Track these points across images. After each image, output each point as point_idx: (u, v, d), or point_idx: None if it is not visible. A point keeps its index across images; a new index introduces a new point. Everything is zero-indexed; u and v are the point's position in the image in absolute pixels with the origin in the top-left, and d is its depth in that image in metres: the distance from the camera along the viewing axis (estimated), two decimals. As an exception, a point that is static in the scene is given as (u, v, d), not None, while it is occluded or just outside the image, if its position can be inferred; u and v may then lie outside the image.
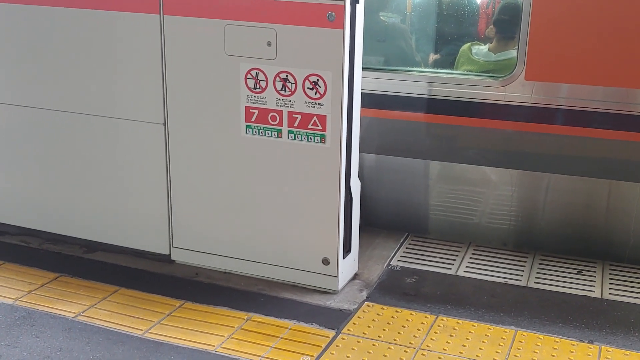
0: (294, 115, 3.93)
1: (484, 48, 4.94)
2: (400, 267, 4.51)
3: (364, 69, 4.08)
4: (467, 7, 5.17)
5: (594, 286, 4.30)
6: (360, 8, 3.84)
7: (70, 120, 4.44)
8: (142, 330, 3.74)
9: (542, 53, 4.30)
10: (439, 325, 3.83)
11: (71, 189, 4.58)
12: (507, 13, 4.91)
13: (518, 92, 4.41)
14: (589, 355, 3.58)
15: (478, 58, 4.91)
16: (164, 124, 4.23)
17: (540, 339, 3.71)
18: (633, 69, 4.18)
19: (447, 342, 3.67)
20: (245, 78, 3.96)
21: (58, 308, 3.94)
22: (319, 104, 3.86)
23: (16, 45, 4.46)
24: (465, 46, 4.99)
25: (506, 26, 4.82)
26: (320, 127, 3.90)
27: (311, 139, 3.93)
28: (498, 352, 3.59)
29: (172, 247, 4.45)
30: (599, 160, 4.42)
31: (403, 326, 3.81)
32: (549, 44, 4.28)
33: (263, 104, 3.97)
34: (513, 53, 4.61)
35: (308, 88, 3.85)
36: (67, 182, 4.58)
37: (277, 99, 3.94)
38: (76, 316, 3.87)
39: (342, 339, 3.69)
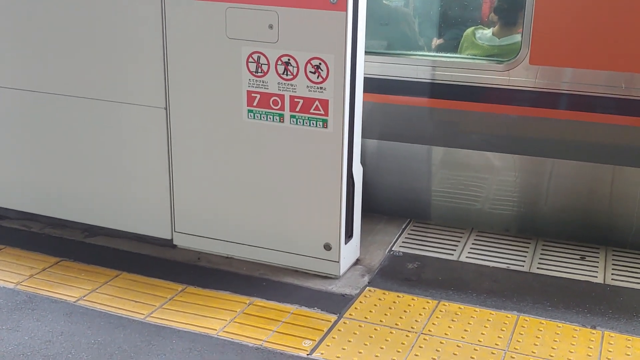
0: (296, 100, 3.91)
1: (488, 32, 4.90)
2: (402, 252, 4.50)
3: (366, 52, 4.04)
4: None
5: (597, 272, 4.29)
6: (363, -10, 3.81)
7: (72, 104, 4.42)
8: (143, 314, 3.74)
9: (546, 37, 4.26)
10: (440, 311, 3.82)
11: (72, 173, 4.57)
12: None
13: (522, 76, 4.38)
14: (592, 340, 3.57)
15: (482, 42, 4.87)
16: (166, 108, 4.21)
17: (543, 324, 3.71)
18: (636, 53, 4.15)
19: (449, 327, 3.67)
20: (247, 62, 3.94)
21: (59, 292, 3.94)
22: (321, 88, 3.83)
23: (16, 28, 4.43)
24: (469, 30, 4.95)
25: (510, 10, 4.77)
26: (322, 112, 3.87)
27: (313, 123, 3.91)
28: (500, 337, 3.58)
29: (174, 231, 4.44)
30: (603, 146, 4.40)
31: (405, 311, 3.81)
32: (554, 28, 4.24)
33: (265, 88, 3.95)
34: (517, 37, 4.57)
35: (310, 72, 3.83)
36: (69, 166, 4.57)
37: (279, 83, 3.91)
38: (77, 300, 3.86)
39: (344, 323, 3.69)
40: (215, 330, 3.61)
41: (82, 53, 4.30)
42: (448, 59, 4.66)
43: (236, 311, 3.78)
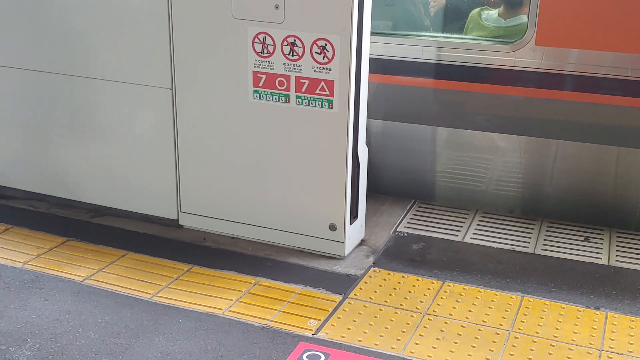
0: (301, 80, 3.91)
1: (494, 13, 4.88)
2: (407, 233, 4.52)
3: (372, 33, 4.03)
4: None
5: (601, 253, 4.30)
6: (369, -29, 3.79)
7: (78, 85, 4.42)
8: (150, 293, 3.77)
9: (553, 18, 4.24)
10: (445, 291, 3.84)
11: (79, 153, 4.59)
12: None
13: (528, 57, 4.36)
14: (595, 321, 3.59)
15: (488, 24, 4.85)
16: (172, 89, 4.21)
17: (547, 305, 3.73)
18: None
19: (454, 307, 3.69)
20: (253, 42, 3.93)
21: (66, 272, 3.97)
22: (327, 68, 3.83)
23: (22, 8, 4.42)
24: (475, 11, 4.92)
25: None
26: (328, 93, 3.87)
27: (319, 104, 3.91)
28: (504, 318, 3.60)
29: (180, 212, 4.46)
30: (609, 127, 4.39)
31: (409, 292, 3.83)
32: (560, 9, 4.22)
33: (271, 68, 3.95)
34: (523, 18, 4.55)
35: (316, 52, 3.82)
36: (75, 146, 4.58)
37: (284, 64, 3.91)
38: (84, 280, 3.89)
39: (349, 303, 3.71)
40: (221, 309, 3.63)
41: (88, 33, 4.30)
42: (453, 40, 4.65)
43: (242, 291, 3.81)
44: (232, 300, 3.72)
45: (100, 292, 3.78)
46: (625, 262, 4.19)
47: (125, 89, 4.31)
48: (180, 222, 4.49)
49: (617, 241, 4.45)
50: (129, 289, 3.81)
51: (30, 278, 3.90)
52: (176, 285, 3.85)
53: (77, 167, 4.62)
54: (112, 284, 3.85)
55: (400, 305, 3.70)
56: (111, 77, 4.33)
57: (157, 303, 3.68)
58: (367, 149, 4.22)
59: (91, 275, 3.93)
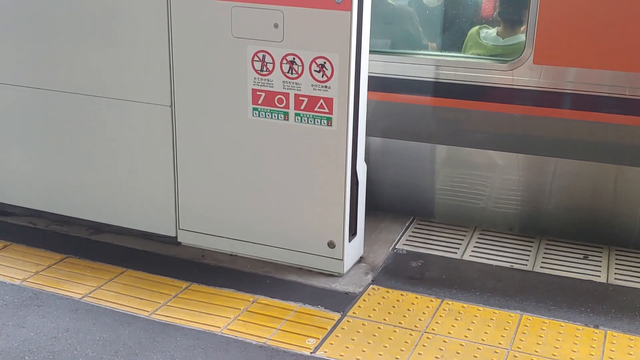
0: (300, 98, 3.92)
1: (493, 32, 4.91)
2: (406, 250, 4.51)
3: (370, 51, 4.05)
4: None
5: (600, 271, 4.29)
6: (368, -10, 3.82)
7: (78, 102, 4.44)
8: (148, 311, 3.76)
9: (550, 37, 4.27)
10: (444, 309, 3.83)
11: (78, 170, 4.59)
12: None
13: (526, 75, 4.38)
14: (595, 340, 3.58)
15: (486, 42, 4.88)
16: (171, 106, 4.23)
17: (546, 323, 3.72)
18: (642, 53, 4.16)
19: (453, 325, 3.68)
20: (252, 60, 3.95)
21: (65, 289, 3.96)
22: (326, 86, 3.85)
23: (22, 26, 4.44)
24: (474, 29, 4.95)
25: (514, 10, 4.78)
26: (326, 110, 3.89)
27: (318, 121, 3.92)
28: (503, 337, 3.60)
29: (179, 229, 4.46)
30: (606, 145, 4.41)
31: (408, 310, 3.82)
32: (558, 28, 4.24)
33: (270, 86, 3.96)
34: (521, 37, 4.57)
35: (315, 71, 3.84)
36: (74, 163, 4.59)
37: (284, 82, 3.93)
38: (83, 297, 3.89)
39: (348, 321, 3.70)
40: (219, 327, 3.63)
41: (87, 50, 4.32)
42: (452, 58, 4.67)
43: (240, 309, 3.81)
44: (230, 318, 3.72)
45: (99, 309, 3.77)
46: (624, 280, 4.19)
47: (125, 106, 4.33)
48: (179, 240, 4.49)
49: (616, 259, 4.45)
50: (127, 306, 3.81)
51: (29, 295, 3.89)
52: (174, 303, 3.85)
53: (76, 184, 4.63)
54: (110, 302, 3.85)
55: (399, 323, 3.69)
56: (110, 94, 4.35)
57: (155, 321, 3.68)
58: (366, 166, 4.23)
59: (90, 293, 3.93)
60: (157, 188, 4.42)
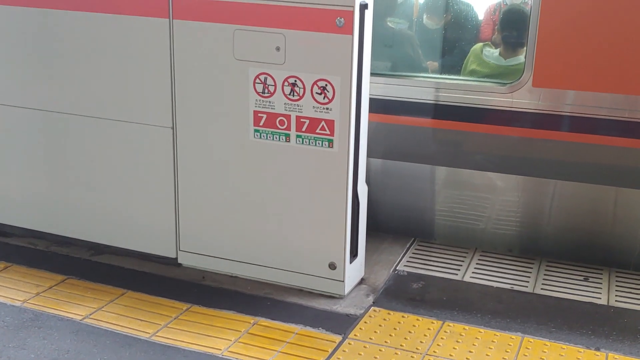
0: (302, 120, 3.95)
1: (496, 52, 4.95)
2: (407, 272, 4.52)
3: (372, 74, 4.08)
4: (474, 14, 5.19)
5: (601, 293, 4.30)
6: (369, 14, 3.84)
7: (79, 123, 4.45)
8: (149, 333, 3.75)
9: (549, 60, 4.30)
10: (445, 331, 3.83)
11: (79, 191, 4.60)
12: (515, 20, 4.91)
13: (525, 98, 4.41)
14: (596, 362, 3.59)
15: (488, 60, 4.91)
16: (172, 128, 4.24)
17: (547, 345, 3.72)
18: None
19: (454, 348, 3.68)
20: (254, 82, 3.98)
21: (66, 310, 3.96)
22: (327, 108, 3.87)
23: (26, 48, 4.47)
24: (477, 46, 4.99)
25: (515, 33, 4.82)
26: (328, 132, 3.91)
27: (319, 143, 3.94)
28: (505, 359, 3.59)
29: (179, 250, 4.46)
30: (606, 167, 4.43)
31: (409, 332, 3.82)
32: (557, 51, 4.28)
33: (271, 108, 3.99)
34: (521, 59, 4.60)
35: (316, 93, 3.87)
36: (75, 184, 4.60)
37: (285, 104, 3.95)
38: (84, 318, 3.88)
39: (349, 344, 3.70)
40: (220, 350, 3.62)
41: (90, 73, 4.35)
42: (452, 81, 4.71)
43: (241, 331, 3.80)
44: (231, 340, 3.71)
45: (100, 331, 3.76)
46: (625, 302, 4.19)
47: (126, 128, 4.34)
48: (179, 261, 4.49)
49: (617, 281, 4.45)
50: (128, 328, 3.80)
51: (30, 317, 3.88)
52: (175, 325, 3.84)
53: (77, 205, 4.63)
54: (111, 323, 3.84)
55: (401, 345, 3.69)
56: (111, 115, 4.36)
57: (155, 343, 3.67)
58: (367, 187, 4.24)
59: (90, 314, 3.92)
60: (157, 209, 4.43)
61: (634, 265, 4.58)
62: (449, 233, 4.95)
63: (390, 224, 5.03)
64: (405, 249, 4.83)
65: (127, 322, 3.85)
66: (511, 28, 4.88)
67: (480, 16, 5.26)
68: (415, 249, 4.84)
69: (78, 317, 3.89)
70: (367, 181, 4.28)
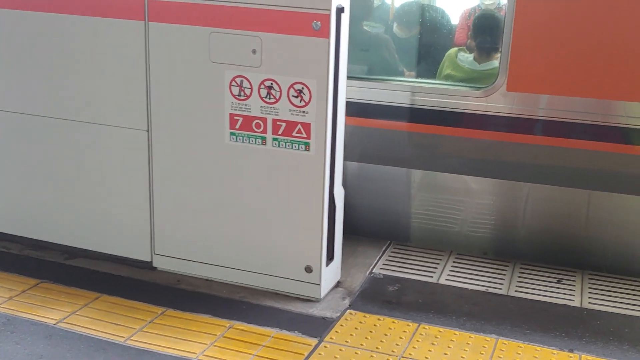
0: (278, 123, 3.95)
1: (470, 56, 4.99)
2: (383, 275, 4.53)
3: (348, 77, 4.09)
4: (448, 20, 5.25)
5: (574, 295, 4.34)
6: (345, 17, 3.86)
7: (53, 126, 4.41)
8: (124, 337, 3.72)
9: (523, 64, 4.35)
10: (420, 334, 3.85)
11: (52, 194, 4.55)
12: (489, 25, 4.97)
13: (499, 102, 4.46)
14: (569, 363, 3.62)
15: (463, 65, 4.95)
16: (147, 130, 4.22)
17: (521, 347, 3.75)
18: (612, 80, 4.24)
19: (429, 350, 3.69)
20: (230, 85, 3.97)
21: (39, 315, 3.91)
22: (304, 112, 3.88)
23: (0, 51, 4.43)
24: (452, 50, 5.04)
25: (490, 38, 4.87)
26: (304, 135, 3.91)
27: (295, 146, 3.94)
28: (479, 361, 3.62)
29: (154, 254, 4.43)
30: (579, 171, 4.48)
31: (385, 334, 3.83)
32: (531, 56, 4.33)
33: (247, 111, 3.98)
34: (495, 64, 4.65)
35: (293, 96, 3.87)
36: (49, 188, 4.55)
37: (261, 107, 3.95)
38: (57, 323, 3.84)
39: (325, 347, 3.70)
40: (195, 354, 3.60)
41: (64, 75, 4.31)
42: (427, 85, 4.74)
43: (216, 335, 3.78)
44: (206, 344, 3.69)
45: (74, 335, 3.72)
46: (598, 304, 4.24)
47: (100, 131, 4.31)
48: (154, 264, 4.46)
49: (590, 283, 4.50)
50: (103, 332, 3.76)
51: (2, 321, 3.83)
52: (150, 329, 3.82)
53: (51, 208, 4.58)
54: (85, 327, 3.80)
55: (376, 348, 3.70)
56: (86, 118, 4.33)
57: (130, 347, 3.64)
58: (343, 190, 4.25)
59: (64, 318, 3.88)
60: (132, 212, 4.40)
61: (607, 267, 4.64)
62: (425, 236, 4.98)
63: (366, 227, 5.04)
64: (381, 252, 4.85)
65: (101, 326, 3.82)
66: (485, 33, 4.93)
67: (455, 21, 5.31)
68: (391, 252, 4.86)
69: (52, 321, 3.85)
70: (344, 184, 4.29)
